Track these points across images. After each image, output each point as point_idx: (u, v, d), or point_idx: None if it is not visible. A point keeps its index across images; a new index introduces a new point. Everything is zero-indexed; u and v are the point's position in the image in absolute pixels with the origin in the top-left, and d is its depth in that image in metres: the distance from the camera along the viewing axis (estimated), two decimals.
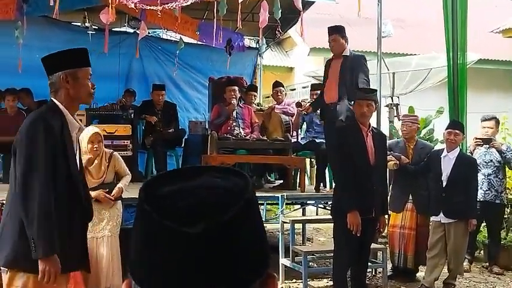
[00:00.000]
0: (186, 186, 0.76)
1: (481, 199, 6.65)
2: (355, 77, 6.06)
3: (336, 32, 6.30)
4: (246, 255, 0.75)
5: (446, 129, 6.14)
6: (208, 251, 0.71)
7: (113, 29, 9.41)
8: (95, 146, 5.25)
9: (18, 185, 2.83)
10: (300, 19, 7.04)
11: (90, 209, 3.34)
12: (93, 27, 9.64)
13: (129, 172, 5.54)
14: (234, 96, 7.47)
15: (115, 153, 5.61)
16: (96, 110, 7.61)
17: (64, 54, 3.21)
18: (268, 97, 11.16)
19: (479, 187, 6.41)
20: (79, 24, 9.90)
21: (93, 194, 5.19)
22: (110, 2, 6.30)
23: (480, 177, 6.56)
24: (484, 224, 6.98)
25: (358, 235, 4.68)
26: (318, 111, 7.16)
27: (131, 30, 10.07)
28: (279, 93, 8.44)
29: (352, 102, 5.39)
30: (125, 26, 10.06)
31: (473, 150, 6.85)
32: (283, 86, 8.78)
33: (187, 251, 0.70)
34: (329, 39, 6.37)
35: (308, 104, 7.22)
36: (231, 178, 0.79)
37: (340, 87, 6.06)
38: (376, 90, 5.61)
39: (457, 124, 6.25)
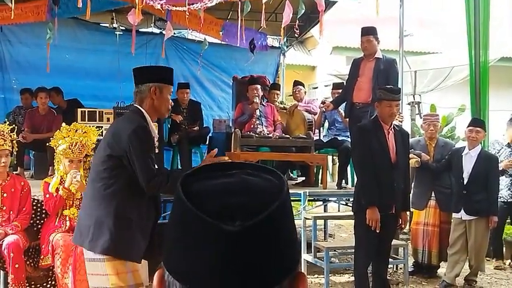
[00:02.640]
0: (224, 183, 0.77)
1: (509, 200, 6.62)
2: (388, 79, 6.01)
3: (370, 33, 6.26)
4: (279, 254, 0.75)
5: (468, 126, 6.09)
6: (243, 249, 0.71)
7: (140, 30, 9.49)
8: None
9: (147, 185, 3.10)
10: (320, 19, 7.01)
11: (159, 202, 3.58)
12: (121, 28, 9.69)
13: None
14: (256, 95, 7.49)
15: None
16: (123, 108, 7.67)
17: (156, 69, 3.76)
18: (291, 95, 11.15)
19: (506, 188, 6.36)
20: (107, 25, 9.98)
21: None
22: (136, 3, 6.35)
23: (507, 178, 6.51)
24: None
25: (378, 231, 4.67)
26: (341, 109, 7.14)
27: (157, 31, 10.14)
28: (297, 92, 8.48)
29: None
30: (151, 26, 10.13)
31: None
32: (303, 85, 8.79)
33: (223, 247, 0.71)
34: (362, 40, 6.31)
35: (329, 102, 7.20)
36: (267, 177, 0.79)
37: (373, 89, 6.00)
38: (400, 90, 5.57)
39: (478, 122, 6.20)
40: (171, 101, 3.41)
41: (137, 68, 3.44)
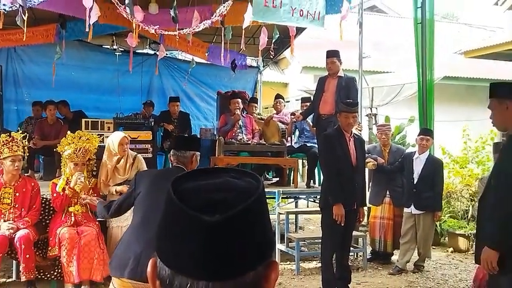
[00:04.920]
0: (209, 183, 0.77)
1: None
2: (349, 94, 6.05)
3: (334, 55, 6.28)
4: (254, 243, 0.75)
5: (419, 135, 6.15)
6: (221, 238, 0.71)
7: (137, 51, 9.42)
8: (124, 147, 5.29)
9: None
10: (292, 43, 7.05)
11: None
12: (120, 49, 9.64)
13: None
14: (237, 107, 7.50)
15: (139, 155, 5.62)
16: (122, 119, 7.61)
17: None
18: (267, 108, 11.17)
19: None
20: (108, 46, 9.91)
21: (118, 188, 5.23)
22: (134, 28, 6.32)
23: None
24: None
25: (342, 224, 4.68)
26: (309, 120, 7.16)
27: (152, 52, 10.08)
28: (278, 104, 8.53)
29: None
30: (146, 48, 10.06)
31: None
32: (283, 98, 8.84)
33: (204, 236, 0.71)
34: (327, 61, 6.32)
35: (299, 113, 7.23)
36: (247, 179, 0.80)
37: (336, 102, 6.02)
38: (358, 104, 5.61)
39: (428, 131, 6.27)
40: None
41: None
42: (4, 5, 5.79)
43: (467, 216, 7.34)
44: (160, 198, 2.88)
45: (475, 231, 5.33)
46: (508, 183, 2.87)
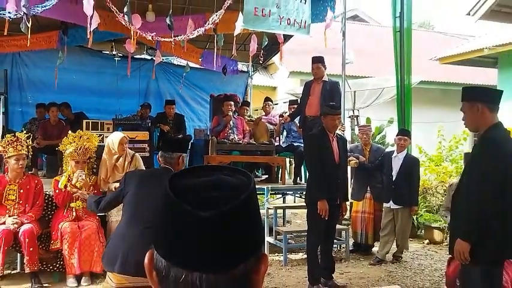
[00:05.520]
0: (203, 181, 0.77)
1: None
2: (333, 98, 6.05)
3: (319, 61, 6.26)
4: (245, 237, 0.75)
5: (397, 135, 6.18)
6: (215, 232, 0.71)
7: (135, 56, 9.37)
8: (123, 146, 5.26)
9: None
10: (280, 49, 7.06)
11: None
12: (119, 54, 9.57)
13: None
14: (230, 109, 7.49)
15: (136, 154, 5.60)
16: (121, 120, 7.58)
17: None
18: (257, 110, 11.15)
19: None
20: (107, 52, 9.84)
21: (117, 185, 5.20)
22: (132, 34, 6.28)
23: None
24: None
25: (326, 218, 4.70)
26: (296, 121, 7.17)
27: (149, 57, 10.03)
28: (267, 106, 8.52)
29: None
30: (144, 53, 10.01)
31: None
32: (271, 101, 8.83)
33: (200, 230, 0.71)
34: (313, 66, 6.29)
35: (287, 115, 7.24)
36: (239, 177, 0.79)
37: (321, 105, 6.03)
38: (341, 107, 5.63)
39: (405, 132, 6.29)
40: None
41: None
42: (9, 12, 5.74)
43: (438, 212, 7.38)
44: (147, 197, 2.85)
45: (449, 225, 5.36)
46: (479, 180, 2.89)
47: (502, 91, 3.13)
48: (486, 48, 9.89)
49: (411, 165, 6.02)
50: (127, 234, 2.91)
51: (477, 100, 2.98)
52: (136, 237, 2.83)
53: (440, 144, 9.11)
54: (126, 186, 3.13)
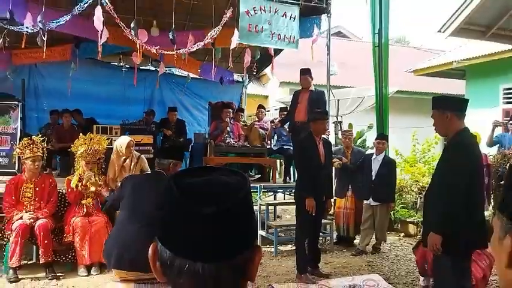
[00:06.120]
0: (205, 180, 0.77)
1: None
2: (318, 105, 6.06)
3: (307, 73, 6.27)
4: (242, 231, 0.75)
5: (376, 139, 6.20)
6: (215, 226, 0.71)
7: (140, 68, 9.34)
8: (130, 149, 5.25)
9: None
10: (271, 61, 7.09)
11: None
12: (126, 66, 9.56)
13: (149, 169, 5.51)
14: (228, 116, 7.49)
15: (142, 155, 5.58)
16: (128, 125, 7.57)
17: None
18: (250, 116, 11.14)
19: None
20: (116, 64, 9.82)
21: None
22: (138, 48, 6.27)
23: None
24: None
25: (313, 214, 4.70)
26: (286, 126, 7.18)
27: (153, 68, 10.00)
28: (260, 113, 8.55)
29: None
30: (149, 65, 9.99)
31: None
32: (264, 108, 8.86)
33: (202, 225, 0.71)
34: (301, 78, 6.28)
35: (278, 121, 7.25)
36: (236, 177, 0.79)
37: (309, 112, 6.04)
38: (328, 113, 5.64)
39: (383, 136, 6.32)
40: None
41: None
42: (27, 27, 5.73)
43: (416, 207, 7.42)
44: (142, 199, 2.83)
45: (422, 219, 5.39)
46: (449, 179, 2.92)
47: (468, 100, 3.16)
48: (455, 61, 9.99)
49: (389, 166, 6.04)
50: (122, 233, 2.90)
51: (446, 108, 3.01)
52: (131, 236, 2.81)
53: (415, 147, 9.15)
54: (123, 190, 3.14)
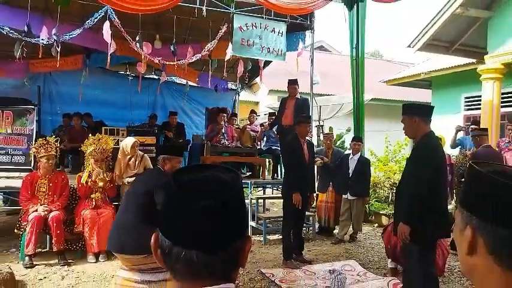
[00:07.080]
0: (202, 176, 0.77)
1: None
2: (303, 111, 6.07)
3: (294, 83, 6.29)
4: (235, 222, 0.75)
5: (352, 141, 6.23)
6: (213, 218, 0.71)
7: (144, 76, 9.29)
8: (135, 149, 5.21)
9: None
10: (260, 72, 7.09)
11: None
12: (132, 74, 9.51)
13: (152, 167, 5.47)
14: (223, 119, 7.47)
15: (145, 155, 5.54)
16: (133, 127, 7.51)
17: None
18: (243, 120, 11.13)
19: None
20: (122, 72, 9.75)
21: (130, 179, 5.13)
22: (142, 58, 6.24)
23: None
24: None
25: (300, 207, 4.71)
26: (274, 129, 7.19)
27: (156, 77, 9.96)
28: (252, 117, 8.54)
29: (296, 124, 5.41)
30: (152, 74, 9.93)
31: None
32: (255, 113, 8.85)
33: (200, 217, 0.71)
34: (289, 87, 6.30)
35: (267, 124, 7.25)
36: (230, 174, 0.79)
37: (294, 117, 6.04)
38: (311, 118, 5.66)
39: (359, 138, 6.35)
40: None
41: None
42: (43, 39, 5.67)
43: (388, 201, 7.48)
44: (137, 193, 2.79)
45: (393, 211, 5.43)
46: (417, 176, 2.94)
47: (433, 107, 3.19)
48: (422, 73, 10.09)
49: (364, 164, 6.07)
50: (119, 221, 2.88)
51: (414, 114, 3.04)
52: (122, 223, 2.80)
53: (387, 149, 9.22)
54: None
